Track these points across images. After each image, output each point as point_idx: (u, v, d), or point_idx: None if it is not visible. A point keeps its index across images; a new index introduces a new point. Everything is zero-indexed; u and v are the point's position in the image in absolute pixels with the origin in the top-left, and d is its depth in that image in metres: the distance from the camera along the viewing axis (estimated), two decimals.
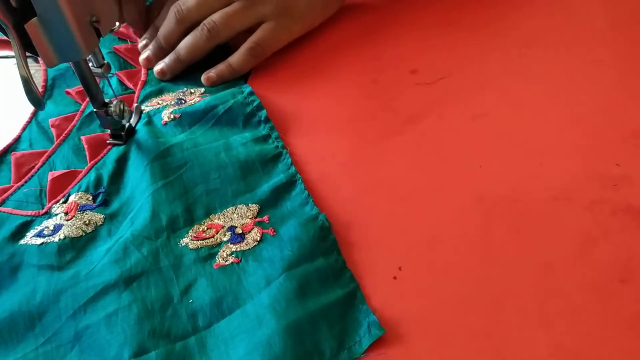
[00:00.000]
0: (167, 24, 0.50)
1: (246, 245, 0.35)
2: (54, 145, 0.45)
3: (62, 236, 0.37)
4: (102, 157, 0.43)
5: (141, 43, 0.53)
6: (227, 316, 0.32)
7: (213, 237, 0.36)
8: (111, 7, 0.35)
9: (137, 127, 0.43)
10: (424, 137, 0.41)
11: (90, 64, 0.37)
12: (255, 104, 0.45)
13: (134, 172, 0.41)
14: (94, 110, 0.39)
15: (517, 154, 0.39)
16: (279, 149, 0.41)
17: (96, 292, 0.33)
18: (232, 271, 0.34)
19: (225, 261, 0.34)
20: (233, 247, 0.35)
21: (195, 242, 0.36)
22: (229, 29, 0.49)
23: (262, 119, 0.44)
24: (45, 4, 0.31)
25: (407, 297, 0.31)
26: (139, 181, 0.40)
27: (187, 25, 0.49)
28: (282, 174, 0.39)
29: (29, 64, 0.33)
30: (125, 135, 0.42)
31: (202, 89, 0.49)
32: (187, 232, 0.36)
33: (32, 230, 0.38)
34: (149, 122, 0.45)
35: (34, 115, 0.48)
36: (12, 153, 0.45)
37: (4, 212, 0.40)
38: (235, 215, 0.37)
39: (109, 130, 0.42)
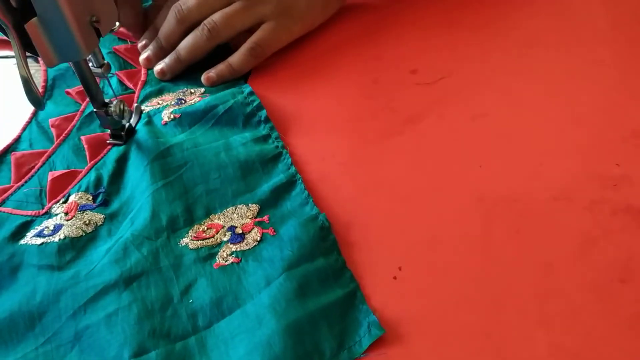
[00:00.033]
0: (168, 23, 0.50)
1: (246, 245, 0.35)
2: (54, 145, 0.45)
3: (62, 236, 0.37)
4: (102, 157, 0.43)
5: (141, 43, 0.53)
6: (227, 316, 0.32)
7: (213, 237, 0.36)
8: (111, 7, 0.35)
9: (137, 127, 0.43)
10: (424, 137, 0.41)
11: (90, 64, 0.37)
12: (255, 104, 0.45)
13: (134, 172, 0.41)
14: (94, 110, 0.39)
15: (517, 154, 0.39)
16: (279, 149, 0.41)
17: (96, 292, 0.33)
18: (232, 271, 0.34)
19: (225, 261, 0.34)
20: (233, 247, 0.35)
21: (195, 242, 0.36)
22: (229, 29, 0.49)
23: (262, 119, 0.44)
24: (45, 4, 0.31)
25: (407, 297, 0.31)
26: (139, 181, 0.40)
27: (187, 25, 0.49)
28: (282, 174, 0.39)
29: (29, 64, 0.33)
30: (125, 135, 0.42)
31: (202, 89, 0.49)
32: (187, 232, 0.36)
33: (32, 230, 0.38)
34: (149, 122, 0.45)
35: (34, 115, 0.48)
36: (12, 153, 0.45)
37: (4, 212, 0.40)
38: (235, 215, 0.37)
39: (109, 130, 0.42)
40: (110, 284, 0.33)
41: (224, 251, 0.35)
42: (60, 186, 0.41)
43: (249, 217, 0.37)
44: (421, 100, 0.44)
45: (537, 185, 0.36)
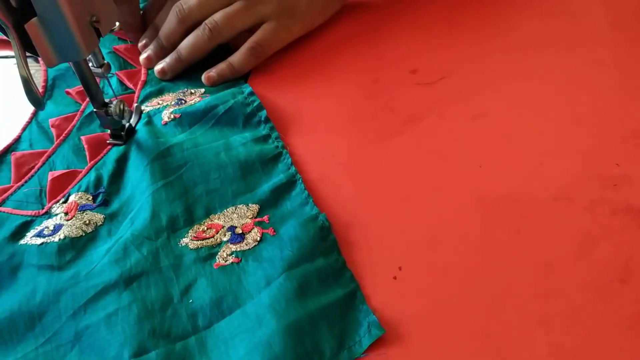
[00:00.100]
0: (169, 23, 0.50)
1: (246, 245, 0.35)
2: (54, 145, 0.45)
3: (62, 236, 0.37)
4: (102, 157, 0.43)
5: (141, 42, 0.53)
6: (227, 316, 0.32)
7: (213, 237, 0.36)
8: (111, 7, 0.35)
9: (137, 127, 0.43)
10: (424, 137, 0.41)
11: (90, 64, 0.37)
12: (255, 104, 0.45)
13: (134, 172, 0.41)
14: (94, 110, 0.39)
15: (517, 154, 0.39)
16: (279, 149, 0.41)
17: (96, 292, 0.33)
18: (232, 271, 0.34)
19: (225, 261, 0.34)
20: (233, 247, 0.35)
21: (195, 242, 0.36)
22: (230, 29, 0.49)
23: (262, 119, 0.44)
24: (45, 4, 0.31)
25: (407, 297, 0.31)
26: (139, 181, 0.40)
27: (188, 25, 0.49)
28: (282, 174, 0.39)
29: (29, 64, 0.33)
30: (125, 135, 0.42)
31: (203, 89, 0.49)
32: (187, 232, 0.36)
33: (32, 230, 0.38)
34: (149, 122, 0.45)
35: (34, 115, 0.48)
36: (12, 153, 0.45)
37: (4, 212, 0.40)
38: (235, 215, 0.37)
39: (109, 130, 0.42)
40: (110, 284, 0.33)
41: (224, 251, 0.35)
42: (60, 186, 0.41)
43: (249, 217, 0.37)
44: (421, 100, 0.44)
45: (537, 185, 0.36)
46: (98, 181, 0.41)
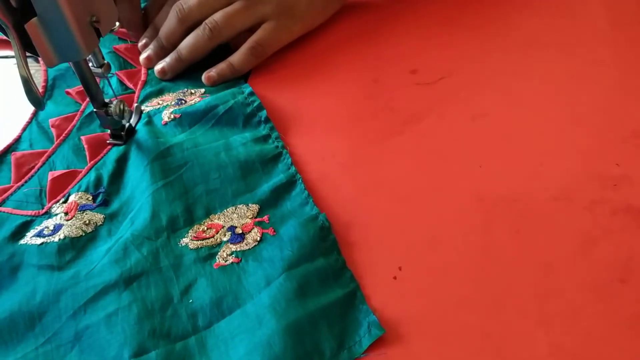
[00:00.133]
0: (169, 23, 0.50)
1: (246, 245, 0.35)
2: (54, 145, 0.45)
3: (62, 236, 0.37)
4: (102, 157, 0.43)
5: (141, 42, 0.53)
6: (227, 316, 0.32)
7: (213, 237, 0.36)
8: (111, 7, 0.35)
9: (137, 127, 0.43)
10: (424, 137, 0.41)
11: (90, 64, 0.37)
12: (255, 104, 0.45)
13: (134, 172, 0.41)
14: (94, 110, 0.39)
15: (517, 154, 0.39)
16: (279, 149, 0.41)
17: (96, 292, 0.33)
18: (232, 271, 0.34)
19: (225, 261, 0.34)
20: (233, 247, 0.35)
21: (195, 242, 0.36)
22: (230, 29, 0.49)
23: (262, 119, 0.44)
24: (45, 4, 0.31)
25: (407, 297, 0.31)
26: (139, 181, 0.40)
27: (188, 25, 0.49)
28: (282, 174, 0.39)
29: (29, 64, 0.33)
30: (125, 135, 0.42)
31: (203, 89, 0.49)
32: (187, 232, 0.36)
33: (32, 230, 0.38)
34: (149, 122, 0.45)
35: (34, 115, 0.48)
36: (12, 153, 0.45)
37: (4, 212, 0.40)
38: (235, 215, 0.37)
39: (109, 130, 0.42)
40: (110, 284, 0.33)
41: (224, 251, 0.35)
42: (60, 186, 0.41)
43: (249, 217, 0.37)
44: (421, 100, 0.44)
45: (537, 185, 0.36)
46: (98, 181, 0.41)
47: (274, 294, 0.31)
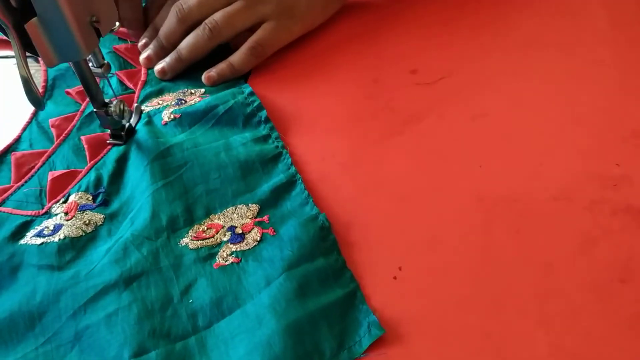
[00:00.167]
0: (168, 23, 0.50)
1: (246, 245, 0.35)
2: (54, 145, 0.45)
3: (62, 236, 0.37)
4: (102, 157, 0.43)
5: (141, 42, 0.53)
6: (227, 316, 0.32)
7: (213, 237, 0.36)
8: (111, 7, 0.35)
9: (137, 127, 0.43)
10: (424, 137, 0.41)
11: (90, 64, 0.37)
12: (255, 104, 0.45)
13: (134, 172, 0.41)
14: (94, 110, 0.39)
15: (517, 154, 0.39)
16: (279, 149, 0.41)
17: (96, 292, 0.33)
18: (232, 271, 0.34)
19: (225, 261, 0.34)
20: (233, 247, 0.35)
21: (195, 242, 0.36)
22: (230, 29, 0.49)
23: (262, 119, 0.44)
24: (45, 4, 0.31)
25: (407, 297, 0.31)
26: (139, 181, 0.40)
27: (188, 25, 0.49)
28: (282, 174, 0.39)
29: (29, 64, 0.33)
30: (125, 135, 0.42)
31: (203, 89, 0.49)
32: (187, 232, 0.36)
33: (32, 230, 0.38)
34: (149, 122, 0.45)
35: (34, 115, 0.48)
36: (12, 153, 0.45)
37: (4, 212, 0.40)
38: (235, 215, 0.37)
39: (109, 130, 0.42)
40: (110, 284, 0.33)
41: (224, 251, 0.35)
42: (60, 186, 0.41)
43: (249, 217, 0.37)
44: (421, 100, 0.44)
45: (537, 185, 0.36)
46: (98, 181, 0.41)
47: (274, 294, 0.31)
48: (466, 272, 0.32)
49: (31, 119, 0.48)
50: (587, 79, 0.44)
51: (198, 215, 0.37)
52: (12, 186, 0.42)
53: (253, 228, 0.36)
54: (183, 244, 0.36)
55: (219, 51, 0.50)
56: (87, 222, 0.38)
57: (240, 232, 0.36)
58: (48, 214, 0.39)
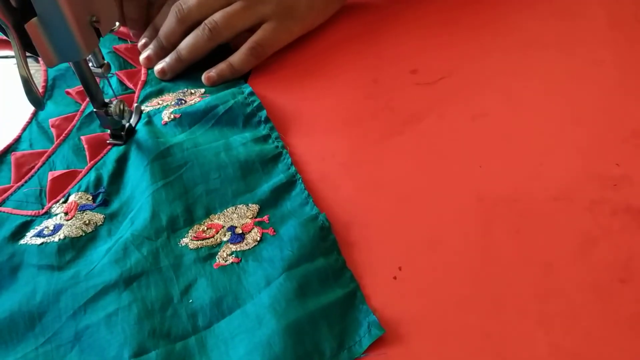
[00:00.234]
0: (168, 23, 0.50)
1: (246, 245, 0.35)
2: (54, 145, 0.45)
3: (62, 236, 0.37)
4: (102, 157, 0.43)
5: (141, 42, 0.53)
6: (227, 316, 0.32)
7: (213, 237, 0.36)
8: (111, 7, 0.35)
9: (137, 127, 0.43)
10: (424, 137, 0.41)
11: (90, 64, 0.37)
12: (255, 104, 0.45)
13: (134, 172, 0.41)
14: (94, 110, 0.39)
15: (517, 154, 0.39)
16: (279, 149, 0.41)
17: (96, 292, 0.33)
18: (232, 271, 0.34)
19: (225, 261, 0.34)
20: (233, 247, 0.35)
21: (195, 242, 0.36)
22: (230, 29, 0.49)
23: (262, 119, 0.44)
24: (45, 4, 0.31)
25: (407, 297, 0.31)
26: (139, 181, 0.40)
27: (188, 25, 0.49)
28: (282, 174, 0.39)
29: (29, 64, 0.33)
30: (125, 135, 0.42)
31: (203, 90, 0.49)
32: (187, 232, 0.36)
33: (32, 230, 0.38)
34: (149, 122, 0.45)
35: (34, 115, 0.48)
36: (12, 153, 0.45)
37: (4, 212, 0.40)
38: (235, 215, 0.37)
39: (109, 130, 0.42)
40: (110, 284, 0.33)
41: (224, 251, 0.35)
42: (60, 186, 0.41)
43: (249, 217, 0.37)
44: (421, 100, 0.44)
45: (537, 185, 0.36)
46: (98, 181, 0.41)
47: (274, 294, 0.31)
48: (466, 272, 0.32)
49: (31, 119, 0.48)
50: (587, 79, 0.44)
51: (198, 215, 0.37)
52: (12, 186, 0.42)
53: (253, 228, 0.36)
54: (183, 244, 0.36)
55: (219, 51, 0.50)
56: (87, 222, 0.38)
57: (240, 232, 0.36)
58: (48, 214, 0.39)
